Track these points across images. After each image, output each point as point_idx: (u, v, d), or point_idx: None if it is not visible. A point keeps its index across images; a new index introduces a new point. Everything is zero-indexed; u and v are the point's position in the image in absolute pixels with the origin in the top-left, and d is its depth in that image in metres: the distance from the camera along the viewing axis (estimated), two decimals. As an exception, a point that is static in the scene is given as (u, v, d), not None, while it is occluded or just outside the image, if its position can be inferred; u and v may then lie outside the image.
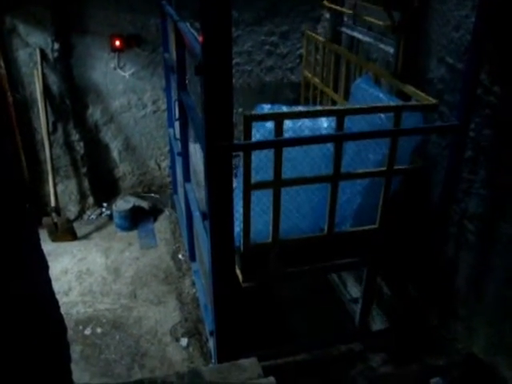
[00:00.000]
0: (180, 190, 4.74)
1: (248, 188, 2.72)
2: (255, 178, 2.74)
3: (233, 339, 3.10)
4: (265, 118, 2.69)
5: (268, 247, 2.95)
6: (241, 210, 2.78)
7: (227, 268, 2.83)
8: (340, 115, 2.70)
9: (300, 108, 2.77)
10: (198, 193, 3.72)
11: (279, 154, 2.66)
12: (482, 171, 3.03)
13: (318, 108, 2.68)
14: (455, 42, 3.11)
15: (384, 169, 2.91)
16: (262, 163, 2.81)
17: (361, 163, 3.07)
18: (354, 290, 4.00)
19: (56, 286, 1.66)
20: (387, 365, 3.45)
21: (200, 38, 2.28)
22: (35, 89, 4.74)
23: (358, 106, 2.76)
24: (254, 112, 2.67)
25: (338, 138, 2.74)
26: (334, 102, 4.38)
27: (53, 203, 4.92)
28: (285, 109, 2.82)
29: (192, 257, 4.40)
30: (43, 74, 4.71)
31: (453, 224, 3.31)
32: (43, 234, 4.79)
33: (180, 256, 4.78)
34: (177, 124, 4.13)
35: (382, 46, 3.74)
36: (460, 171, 3.07)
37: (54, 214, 4.91)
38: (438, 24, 3.26)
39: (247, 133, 2.59)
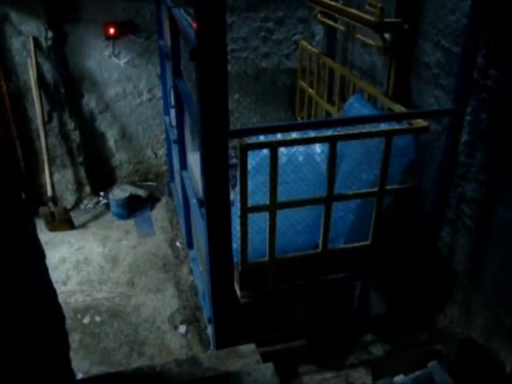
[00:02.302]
0: (177, 178, 4.73)
1: (245, 211, 2.80)
2: (252, 199, 2.82)
3: (231, 326, 3.11)
4: (260, 146, 2.75)
5: (265, 265, 3.04)
6: (238, 227, 2.85)
7: (224, 254, 2.83)
8: (333, 141, 2.77)
9: (294, 135, 2.90)
10: (194, 180, 3.71)
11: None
12: (479, 155, 3.02)
13: (312, 135, 2.87)
14: (451, 25, 3.09)
15: (376, 189, 3.01)
16: (257, 187, 2.90)
17: (354, 183, 3.17)
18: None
19: (54, 276, 1.66)
20: (385, 349, 3.47)
21: (194, 25, 2.27)
22: (29, 78, 4.71)
23: (350, 132, 2.86)
24: (249, 140, 2.74)
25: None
26: (328, 114, 4.51)
27: (49, 193, 4.91)
28: (279, 135, 2.91)
29: (190, 244, 4.40)
30: (37, 63, 4.68)
31: (450, 209, 3.31)
32: (40, 224, 4.78)
33: (178, 244, 4.78)
34: (172, 111, 4.11)
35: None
36: (457, 155, 3.07)
37: (50, 204, 4.90)
38: (434, 7, 3.23)
39: (243, 160, 2.65)
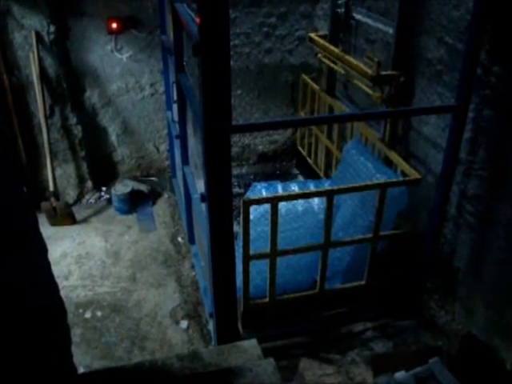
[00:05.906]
0: (179, 173, 4.73)
1: (247, 259, 3.06)
2: (253, 246, 3.09)
3: (232, 321, 3.11)
4: (262, 201, 3.00)
5: (265, 305, 3.32)
6: (240, 265, 3.05)
7: (226, 250, 2.83)
8: (330, 195, 3.00)
9: (294, 189, 3.25)
10: (196, 175, 3.71)
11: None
12: (482, 152, 3.02)
13: (311, 190, 3.29)
14: (455, 21, 3.08)
15: (370, 236, 3.24)
16: (259, 235, 3.18)
17: (350, 227, 3.46)
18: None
19: (56, 270, 1.66)
20: (386, 345, 3.47)
21: (197, 19, 2.26)
22: (31, 72, 4.70)
23: (346, 186, 3.17)
24: (251, 196, 3.04)
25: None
26: (327, 150, 4.69)
27: (51, 187, 4.91)
28: (280, 188, 3.22)
29: (191, 240, 4.40)
30: (39, 57, 4.66)
31: (452, 205, 3.31)
32: (42, 219, 4.78)
33: (179, 239, 4.78)
34: (175, 106, 4.11)
35: (381, 26, 3.71)
36: (459, 152, 3.06)
37: (52, 199, 4.90)
38: (438, 3, 3.22)
39: (246, 214, 2.89)
